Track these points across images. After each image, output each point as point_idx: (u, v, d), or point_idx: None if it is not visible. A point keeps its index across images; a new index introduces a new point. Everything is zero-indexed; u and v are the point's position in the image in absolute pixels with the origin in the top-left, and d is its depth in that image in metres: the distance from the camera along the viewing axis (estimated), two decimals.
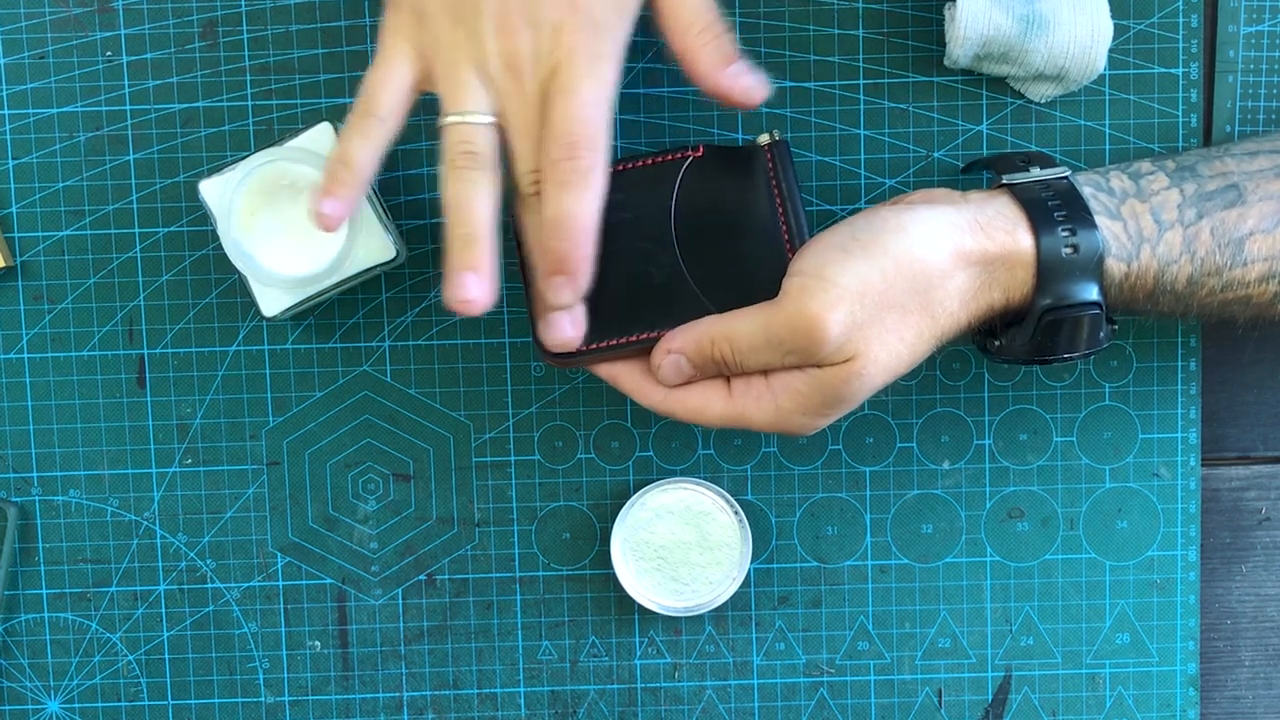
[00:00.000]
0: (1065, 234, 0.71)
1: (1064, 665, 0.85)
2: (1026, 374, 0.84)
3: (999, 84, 0.82)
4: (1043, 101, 0.82)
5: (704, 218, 0.76)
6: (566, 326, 0.74)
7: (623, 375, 0.76)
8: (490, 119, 0.72)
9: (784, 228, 0.76)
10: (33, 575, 0.84)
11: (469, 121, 0.72)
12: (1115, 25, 0.81)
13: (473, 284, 0.72)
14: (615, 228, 0.76)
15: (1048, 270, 0.71)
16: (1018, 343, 0.73)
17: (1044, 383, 0.84)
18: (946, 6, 0.80)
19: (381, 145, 0.73)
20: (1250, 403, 0.85)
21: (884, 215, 0.72)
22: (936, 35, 0.82)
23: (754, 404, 0.73)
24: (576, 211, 0.71)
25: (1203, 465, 0.85)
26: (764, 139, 0.77)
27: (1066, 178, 0.73)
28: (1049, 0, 0.78)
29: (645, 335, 0.75)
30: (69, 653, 0.84)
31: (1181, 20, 0.82)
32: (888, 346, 0.70)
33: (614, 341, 0.75)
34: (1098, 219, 0.72)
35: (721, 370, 0.73)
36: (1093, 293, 0.71)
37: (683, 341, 0.73)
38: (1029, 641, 0.85)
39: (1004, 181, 0.74)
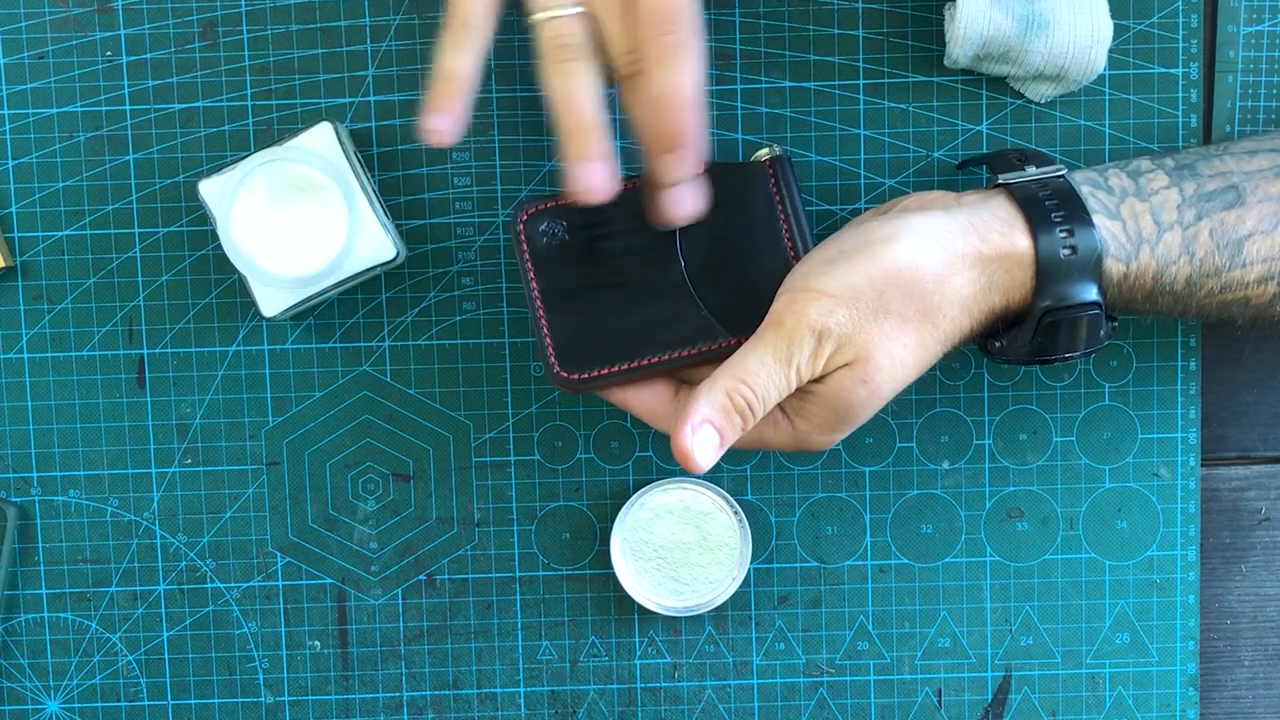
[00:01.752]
0: (1063, 235, 0.71)
1: (1064, 665, 0.85)
2: (1026, 374, 0.84)
3: (999, 84, 0.82)
4: (1042, 101, 0.82)
5: (708, 237, 0.76)
6: (685, 202, 0.74)
7: (634, 400, 0.76)
8: (579, 8, 0.72)
9: (789, 244, 0.76)
10: (32, 575, 0.84)
11: (559, 14, 0.72)
12: (1115, 25, 0.81)
13: (594, 170, 0.72)
14: (619, 250, 0.76)
15: (1046, 271, 0.71)
16: (1018, 343, 0.73)
17: (1044, 383, 0.84)
18: (946, 6, 0.80)
19: (479, 53, 0.73)
20: (1250, 403, 0.85)
21: (871, 225, 0.72)
22: (936, 35, 0.82)
23: (770, 428, 0.73)
24: (680, 85, 0.71)
25: (1202, 465, 0.85)
26: (764, 154, 0.77)
27: (1063, 176, 0.73)
28: (1049, 0, 0.78)
29: (656, 359, 0.75)
30: (69, 653, 0.84)
31: (1181, 20, 0.82)
32: (890, 354, 0.70)
33: (625, 367, 0.75)
34: (1096, 218, 0.71)
35: (746, 418, 0.71)
36: (1092, 293, 0.71)
37: (705, 410, 0.71)
38: (1029, 641, 0.85)
39: (1000, 181, 0.74)
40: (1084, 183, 0.73)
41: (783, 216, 0.76)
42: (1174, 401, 0.84)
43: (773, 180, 0.77)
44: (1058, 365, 0.84)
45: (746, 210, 0.76)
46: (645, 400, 0.76)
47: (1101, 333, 0.73)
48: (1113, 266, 0.72)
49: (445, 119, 0.73)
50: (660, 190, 0.74)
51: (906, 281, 0.70)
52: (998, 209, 0.72)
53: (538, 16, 0.72)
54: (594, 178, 0.72)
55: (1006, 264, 0.71)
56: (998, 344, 0.74)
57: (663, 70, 0.71)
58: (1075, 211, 0.71)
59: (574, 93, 0.72)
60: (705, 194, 0.75)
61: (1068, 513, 0.85)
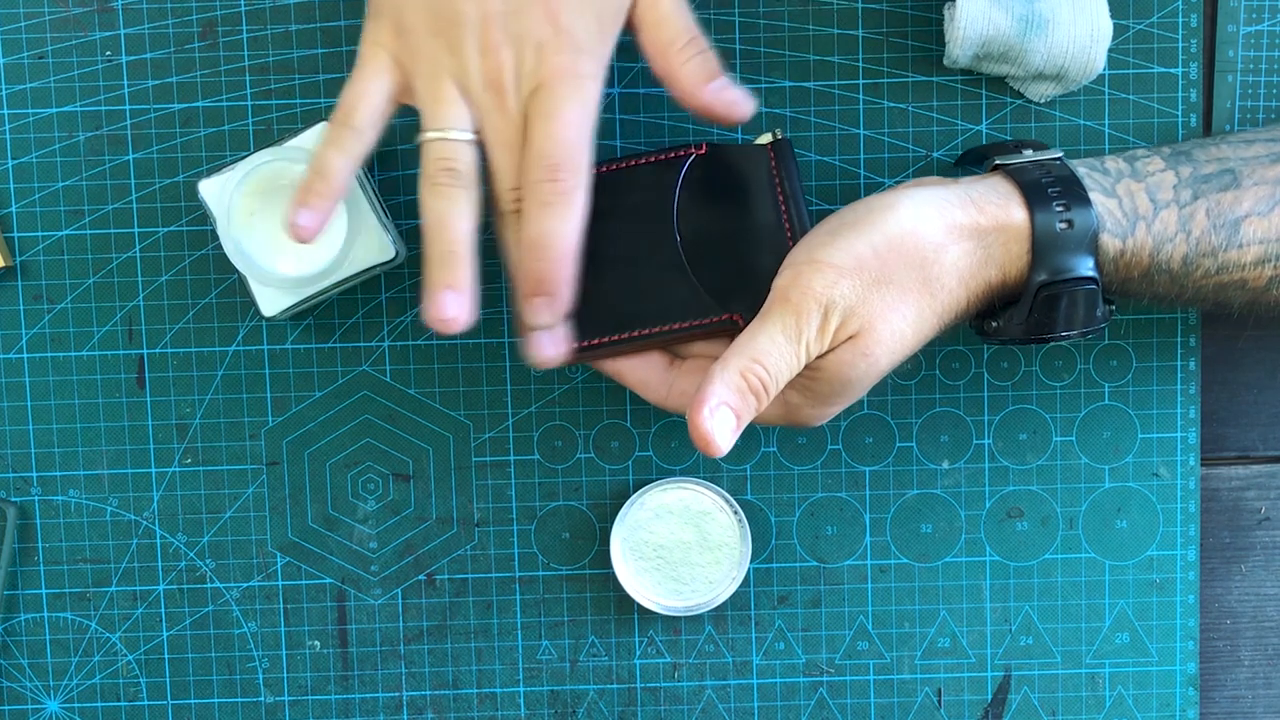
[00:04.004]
0: (1060, 209, 0.71)
1: (1063, 665, 0.85)
2: (1026, 374, 0.84)
3: (998, 84, 0.82)
4: (1042, 101, 0.82)
5: (707, 216, 0.76)
6: (547, 346, 0.74)
7: (627, 371, 0.76)
8: (471, 135, 0.72)
9: (788, 227, 0.76)
10: (32, 575, 0.84)
11: (449, 138, 0.71)
12: (1115, 25, 0.81)
13: (451, 302, 0.71)
14: (618, 224, 0.76)
15: (1042, 244, 0.71)
16: (1014, 321, 0.73)
17: (1044, 382, 0.84)
18: (946, 6, 0.80)
19: (357, 157, 0.73)
20: (1250, 403, 0.85)
21: (871, 198, 0.72)
22: (936, 35, 0.82)
23: None
24: (557, 232, 0.71)
25: (1202, 465, 0.85)
26: (766, 138, 0.77)
27: (1060, 159, 0.74)
28: (1049, 0, 0.78)
29: (650, 331, 0.75)
30: (69, 653, 0.84)
31: (1181, 20, 0.82)
32: (890, 324, 0.70)
33: (619, 337, 0.75)
34: (1092, 196, 0.72)
35: (761, 398, 0.70)
36: (1088, 267, 0.71)
37: (721, 392, 0.69)
38: (1028, 641, 0.85)
39: (997, 163, 0.74)
40: (1080, 165, 0.74)
41: (781, 199, 0.76)
42: (1174, 401, 0.84)
43: (773, 163, 0.77)
44: (1058, 364, 0.84)
45: (745, 191, 0.76)
46: (638, 371, 0.76)
47: (1098, 312, 0.73)
48: (1109, 242, 0.72)
49: (309, 215, 0.72)
50: (525, 330, 0.74)
51: (908, 249, 0.70)
52: (995, 185, 0.72)
53: (428, 135, 0.72)
54: (451, 309, 0.71)
55: (1003, 237, 0.71)
56: (994, 324, 0.74)
57: (541, 215, 0.70)
58: (1071, 188, 0.72)
59: (447, 219, 0.71)
60: (563, 342, 0.74)
61: (1068, 512, 0.85)
